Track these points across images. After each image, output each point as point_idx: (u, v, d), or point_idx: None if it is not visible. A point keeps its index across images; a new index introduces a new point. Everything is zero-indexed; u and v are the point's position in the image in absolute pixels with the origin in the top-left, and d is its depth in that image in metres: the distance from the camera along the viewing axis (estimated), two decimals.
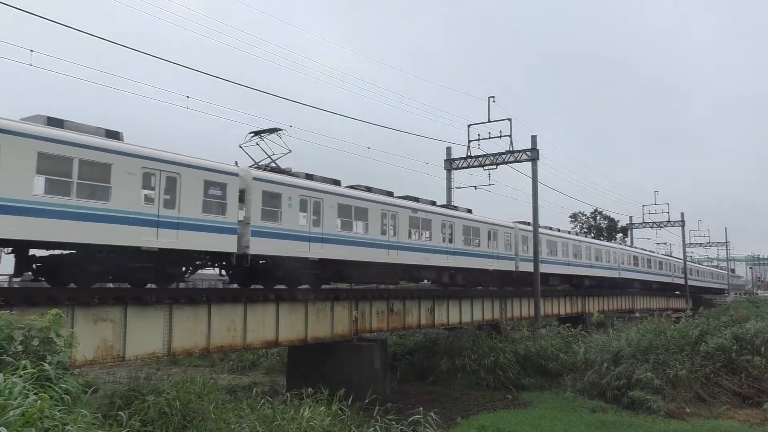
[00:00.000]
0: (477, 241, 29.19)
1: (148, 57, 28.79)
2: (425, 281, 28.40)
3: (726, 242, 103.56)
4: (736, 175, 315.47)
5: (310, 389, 14.20)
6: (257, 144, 20.98)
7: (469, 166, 36.42)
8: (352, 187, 22.89)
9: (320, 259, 20.01)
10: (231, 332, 17.82)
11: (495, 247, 30.65)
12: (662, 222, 72.24)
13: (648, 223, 73.25)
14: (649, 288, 57.56)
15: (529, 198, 33.95)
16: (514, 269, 32.52)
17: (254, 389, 19.00)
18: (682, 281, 67.94)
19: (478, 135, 35.93)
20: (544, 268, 34.33)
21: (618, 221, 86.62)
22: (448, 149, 37.33)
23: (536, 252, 33.39)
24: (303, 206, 19.57)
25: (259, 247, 17.85)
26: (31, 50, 15.75)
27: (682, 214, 72.50)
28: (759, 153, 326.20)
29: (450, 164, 37.07)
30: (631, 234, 76.18)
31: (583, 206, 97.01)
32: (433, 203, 27.39)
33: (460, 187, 37.15)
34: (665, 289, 63.25)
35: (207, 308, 17.09)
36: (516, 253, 32.74)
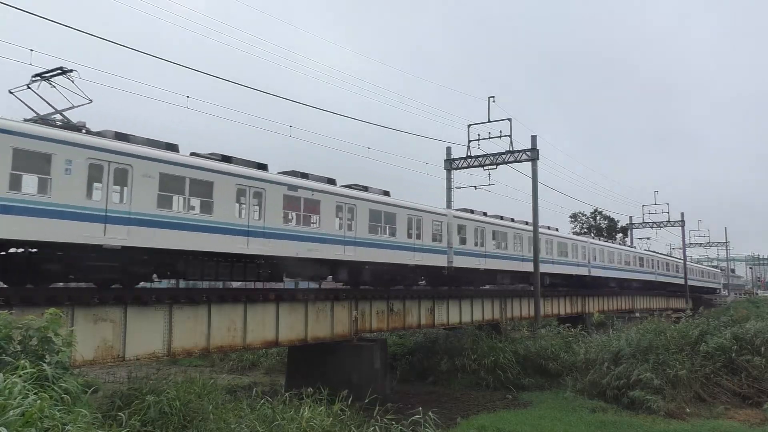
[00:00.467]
0: (391, 229, 23.73)
1: (148, 57, 28.80)
2: (328, 279, 23.99)
3: (726, 242, 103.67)
4: (736, 175, 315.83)
5: (310, 389, 14.19)
6: (28, 87, 15.39)
7: (469, 166, 36.44)
8: (197, 155, 17.61)
9: (125, 247, 14.76)
10: (231, 332, 17.83)
11: (418, 238, 25.30)
12: (662, 222, 72.29)
13: (648, 223, 73.30)
14: (628, 287, 52.53)
15: (529, 198, 33.97)
16: (445, 264, 27.28)
17: (254, 389, 18.99)
18: (666, 279, 63.51)
19: (478, 135, 35.97)
20: (487, 264, 30.21)
21: (618, 221, 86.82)
22: (448, 149, 37.37)
23: (536, 252, 33.34)
24: (95, 174, 14.32)
25: None
26: (31, 50, 15.75)
27: (682, 214, 72.66)
28: (759, 153, 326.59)
29: (450, 164, 37.08)
30: (631, 234, 76.25)
31: (583, 206, 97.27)
32: (331, 182, 22.09)
33: (460, 187, 37.18)
34: (648, 288, 58.02)
35: (207, 308, 17.11)
36: (449, 245, 27.48)
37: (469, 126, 36.47)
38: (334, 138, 60.56)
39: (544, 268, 35.44)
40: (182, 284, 24.06)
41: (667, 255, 70.77)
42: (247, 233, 17.84)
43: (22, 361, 8.21)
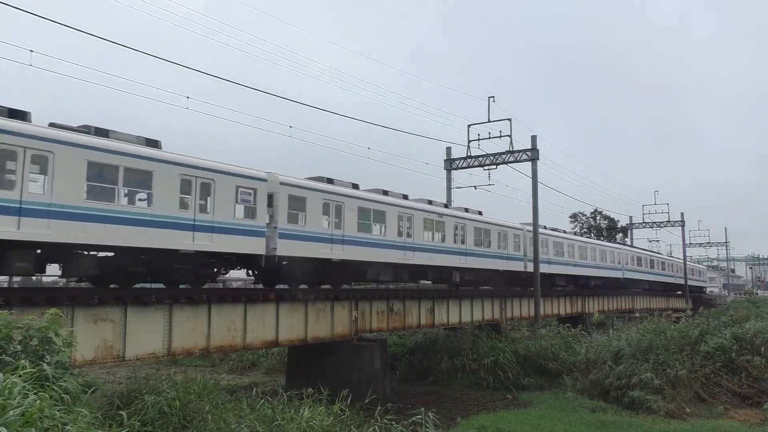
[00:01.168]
0: (145, 195, 15.61)
1: (148, 57, 28.79)
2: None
3: (726, 242, 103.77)
4: (736, 175, 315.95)
5: (310, 389, 14.19)
6: None
7: (469, 166, 36.49)
8: None
9: None
10: (231, 332, 17.83)
11: (205, 211, 16.79)
12: (662, 222, 72.33)
13: (648, 223, 73.34)
14: (585, 285, 43.49)
15: (530, 198, 33.98)
16: (263, 252, 18.55)
17: (254, 389, 18.99)
18: (637, 276, 53.59)
19: (478, 135, 36.02)
20: (346, 253, 21.55)
21: (618, 221, 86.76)
22: (448, 149, 37.41)
23: (536, 252, 33.34)
24: None
25: None
26: (31, 50, 15.75)
27: (682, 214, 72.72)
28: (759, 153, 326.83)
29: (450, 164, 37.12)
30: (631, 234, 76.23)
31: (583, 206, 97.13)
32: (15, 114, 13.55)
33: (460, 187, 37.21)
34: (609, 286, 47.98)
35: (207, 308, 17.10)
36: (273, 223, 19.08)
37: (469, 126, 36.58)
38: (334, 138, 60.67)
39: (454, 262, 27.72)
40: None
41: (640, 248, 62.64)
42: None
43: (22, 361, 8.21)
